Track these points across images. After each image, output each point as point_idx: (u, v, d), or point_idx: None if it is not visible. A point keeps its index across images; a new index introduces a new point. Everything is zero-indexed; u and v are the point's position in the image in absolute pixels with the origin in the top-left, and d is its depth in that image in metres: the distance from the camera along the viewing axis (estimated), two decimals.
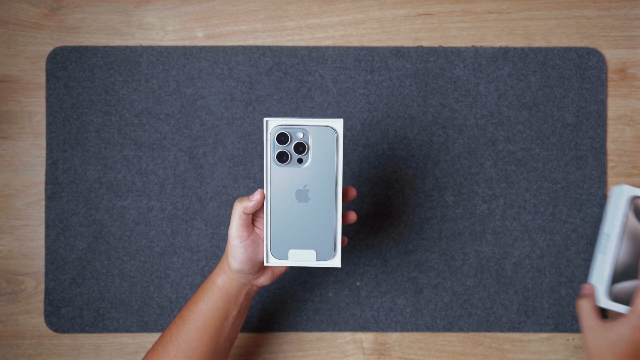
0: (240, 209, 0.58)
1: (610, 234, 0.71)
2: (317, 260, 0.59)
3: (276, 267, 0.63)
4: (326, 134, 0.57)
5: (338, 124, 0.57)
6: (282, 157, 0.57)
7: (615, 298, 0.70)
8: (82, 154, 0.75)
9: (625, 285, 0.70)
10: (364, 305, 0.74)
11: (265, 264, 0.59)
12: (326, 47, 0.75)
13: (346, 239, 0.62)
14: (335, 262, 0.60)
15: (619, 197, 0.71)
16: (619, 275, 0.70)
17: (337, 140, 0.57)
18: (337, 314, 0.74)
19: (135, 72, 0.75)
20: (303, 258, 0.59)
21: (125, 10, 0.76)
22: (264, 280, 0.62)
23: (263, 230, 0.60)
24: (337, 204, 0.58)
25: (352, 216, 0.62)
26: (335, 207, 0.58)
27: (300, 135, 0.57)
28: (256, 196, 0.57)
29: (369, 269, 0.75)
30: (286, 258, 0.59)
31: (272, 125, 0.57)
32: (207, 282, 0.62)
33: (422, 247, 0.75)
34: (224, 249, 0.74)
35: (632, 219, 0.70)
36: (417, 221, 0.75)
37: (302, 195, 0.58)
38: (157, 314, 0.74)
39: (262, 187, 0.60)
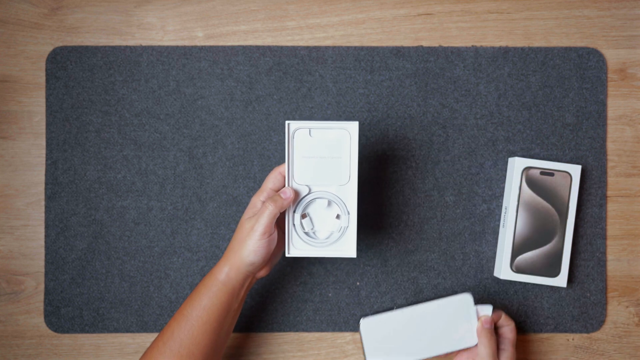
0: (275, 209, 0.61)
1: (509, 207, 0.72)
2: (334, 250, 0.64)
3: (274, 257, 0.66)
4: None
5: (353, 126, 0.63)
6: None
7: (517, 269, 0.72)
8: (82, 154, 0.75)
9: (525, 257, 0.72)
10: (364, 305, 0.74)
11: (287, 255, 0.63)
12: (326, 47, 0.75)
13: None
14: (351, 252, 0.64)
15: (513, 170, 0.72)
16: (520, 247, 0.72)
17: (351, 139, 0.63)
18: (337, 314, 0.74)
19: (135, 72, 0.75)
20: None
21: (125, 10, 0.75)
22: (264, 272, 0.65)
23: (283, 225, 0.65)
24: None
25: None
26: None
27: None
28: (288, 193, 0.61)
29: (369, 269, 0.75)
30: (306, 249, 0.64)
31: (294, 127, 0.63)
32: (208, 279, 0.63)
33: (422, 247, 0.75)
34: (224, 249, 0.74)
35: (527, 190, 0.72)
36: (417, 221, 0.75)
37: None
38: (157, 314, 0.74)
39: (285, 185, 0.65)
